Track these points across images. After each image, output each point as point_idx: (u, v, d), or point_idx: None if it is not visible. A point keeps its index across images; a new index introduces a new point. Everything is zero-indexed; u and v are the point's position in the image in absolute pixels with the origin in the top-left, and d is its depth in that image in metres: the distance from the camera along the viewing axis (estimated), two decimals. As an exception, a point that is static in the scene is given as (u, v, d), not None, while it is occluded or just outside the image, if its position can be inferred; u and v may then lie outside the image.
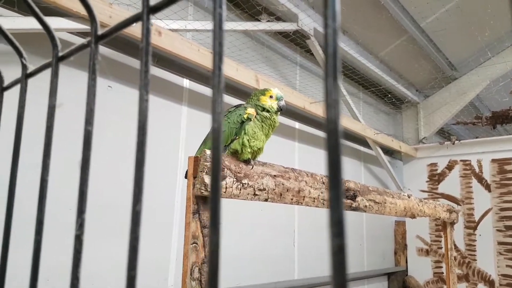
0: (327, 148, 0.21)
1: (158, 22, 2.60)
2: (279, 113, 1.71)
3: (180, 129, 3.01)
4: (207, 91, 3.21)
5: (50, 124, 0.43)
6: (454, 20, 4.44)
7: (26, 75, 0.53)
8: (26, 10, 2.12)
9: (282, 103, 1.71)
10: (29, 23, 2.01)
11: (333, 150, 0.20)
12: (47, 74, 0.49)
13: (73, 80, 2.32)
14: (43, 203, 0.42)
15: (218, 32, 0.27)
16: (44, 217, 0.42)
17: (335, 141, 0.22)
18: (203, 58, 2.74)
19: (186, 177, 1.51)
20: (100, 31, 0.42)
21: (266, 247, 3.59)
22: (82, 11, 2.05)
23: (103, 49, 2.51)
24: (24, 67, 0.52)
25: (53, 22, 2.06)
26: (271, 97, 1.70)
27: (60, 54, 0.46)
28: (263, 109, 1.68)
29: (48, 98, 0.46)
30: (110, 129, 2.50)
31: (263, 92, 1.72)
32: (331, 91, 0.22)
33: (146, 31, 0.34)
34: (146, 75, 0.32)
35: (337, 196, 0.20)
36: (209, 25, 2.95)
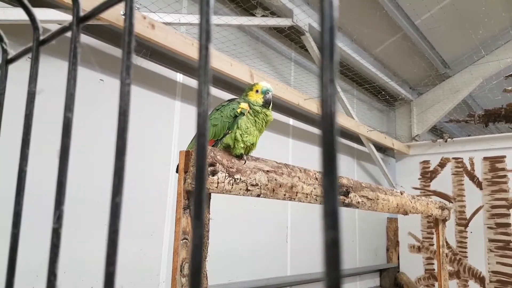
0: (322, 132, 0.19)
1: (151, 15, 2.55)
2: (269, 107, 1.65)
3: (173, 124, 2.97)
4: (200, 86, 3.17)
5: (29, 111, 0.41)
6: (449, 17, 4.44)
7: (7, 61, 0.50)
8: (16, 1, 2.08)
9: (268, 96, 1.64)
10: (19, 15, 1.96)
11: (328, 134, 0.18)
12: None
13: (63, 72, 2.28)
14: (21, 195, 0.40)
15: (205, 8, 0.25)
16: (23, 210, 0.40)
17: (330, 127, 0.20)
18: (197, 52, 2.70)
19: (177, 171, 1.48)
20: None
21: (259, 243, 3.58)
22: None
23: (94, 42, 2.47)
24: (4, 51, 0.49)
25: (44, 13, 2.01)
26: (257, 91, 1.65)
27: (42, 38, 0.44)
28: (254, 103, 1.64)
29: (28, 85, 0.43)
30: (102, 122, 2.47)
31: (251, 87, 1.69)
32: (327, 68, 0.20)
33: (130, 11, 0.32)
34: (128, 56, 0.30)
35: (332, 183, 0.18)
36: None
